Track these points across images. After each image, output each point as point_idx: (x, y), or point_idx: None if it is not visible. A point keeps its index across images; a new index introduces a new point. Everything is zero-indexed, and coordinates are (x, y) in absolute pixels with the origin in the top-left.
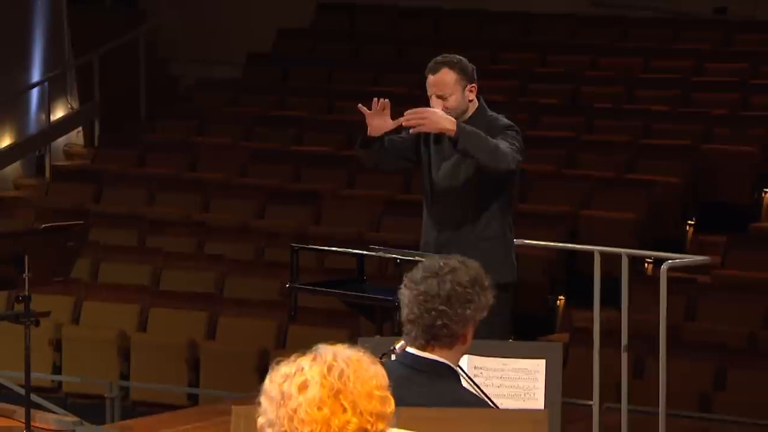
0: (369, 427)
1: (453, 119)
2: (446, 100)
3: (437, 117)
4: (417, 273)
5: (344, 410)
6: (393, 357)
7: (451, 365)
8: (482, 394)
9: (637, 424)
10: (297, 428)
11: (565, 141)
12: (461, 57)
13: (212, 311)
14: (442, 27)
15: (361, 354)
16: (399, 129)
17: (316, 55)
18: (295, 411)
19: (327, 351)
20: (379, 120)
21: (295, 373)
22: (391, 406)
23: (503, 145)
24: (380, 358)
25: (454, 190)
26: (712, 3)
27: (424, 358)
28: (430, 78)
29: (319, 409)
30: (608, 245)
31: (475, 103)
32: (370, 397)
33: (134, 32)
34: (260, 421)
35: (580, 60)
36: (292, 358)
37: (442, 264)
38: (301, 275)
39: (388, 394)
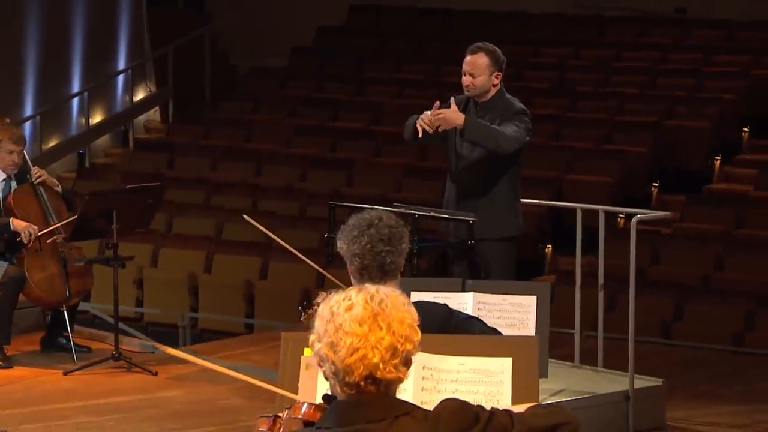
0: (399, 346)
1: (463, 116)
2: (475, 78)
3: (451, 116)
4: (352, 231)
5: (380, 329)
6: None
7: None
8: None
9: (611, 348)
10: (341, 338)
11: (553, 118)
12: (497, 48)
13: (264, 257)
14: (454, 25)
15: (398, 293)
16: None
17: (349, 49)
18: (340, 325)
19: (371, 286)
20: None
21: (344, 298)
22: (418, 335)
23: (510, 130)
24: None
25: (472, 160)
26: (673, 4)
27: None
28: (468, 57)
29: (360, 325)
30: (588, 203)
31: (498, 87)
32: (402, 323)
33: (200, 30)
34: (311, 338)
35: (566, 52)
36: (342, 291)
37: (368, 217)
38: (337, 228)
39: (417, 325)
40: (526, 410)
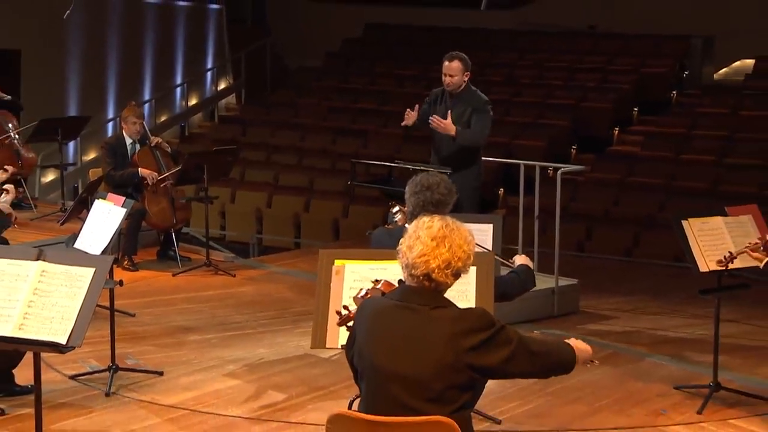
0: (453, 262)
1: (455, 128)
2: (452, 78)
3: (448, 127)
4: (416, 186)
5: (444, 246)
6: (397, 219)
7: None
8: None
9: (543, 259)
10: (416, 244)
11: (504, 102)
12: (465, 55)
13: (307, 197)
14: (437, 38)
15: (467, 229)
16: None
17: (365, 53)
18: (419, 236)
19: (451, 219)
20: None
21: (428, 220)
22: (470, 260)
23: (479, 129)
24: (387, 225)
25: (448, 135)
26: (587, 23)
27: None
28: (446, 63)
29: (432, 240)
30: (528, 160)
31: (467, 83)
32: (460, 248)
33: (263, 40)
34: (401, 241)
35: (513, 56)
36: (429, 215)
37: (431, 180)
38: (357, 177)
39: (472, 254)
40: (538, 336)
